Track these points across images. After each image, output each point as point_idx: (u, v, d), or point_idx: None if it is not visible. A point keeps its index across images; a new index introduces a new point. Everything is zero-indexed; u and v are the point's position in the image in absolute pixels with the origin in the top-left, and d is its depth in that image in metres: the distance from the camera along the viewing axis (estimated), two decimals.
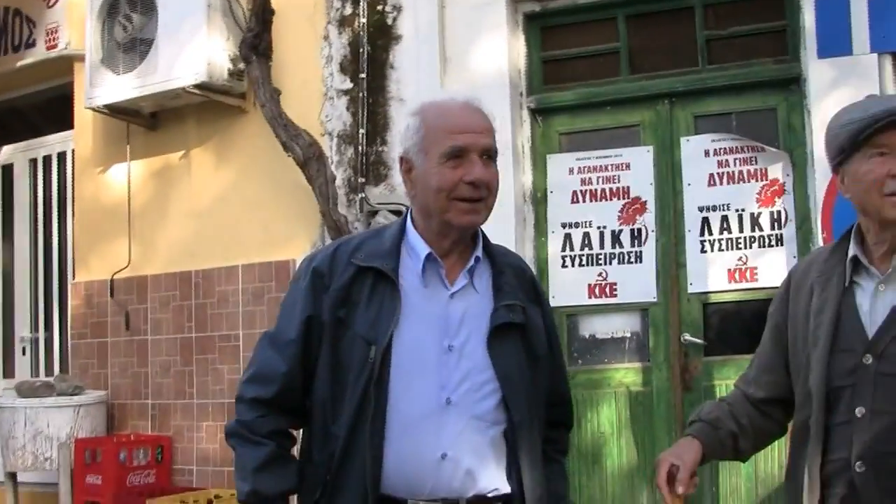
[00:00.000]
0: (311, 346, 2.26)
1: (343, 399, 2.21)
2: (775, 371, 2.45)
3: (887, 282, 2.25)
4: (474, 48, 5.17)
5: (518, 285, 2.37)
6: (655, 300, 4.96)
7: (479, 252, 2.32)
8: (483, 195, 2.23)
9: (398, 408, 2.19)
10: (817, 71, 4.59)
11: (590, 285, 5.06)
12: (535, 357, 2.34)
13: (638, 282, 4.99)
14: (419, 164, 2.25)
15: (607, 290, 5.04)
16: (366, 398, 2.18)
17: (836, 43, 4.49)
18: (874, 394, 2.18)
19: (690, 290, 4.90)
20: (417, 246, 2.29)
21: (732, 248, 4.86)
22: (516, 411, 2.26)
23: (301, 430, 2.37)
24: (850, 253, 2.31)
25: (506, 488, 2.26)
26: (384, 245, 2.30)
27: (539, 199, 5.19)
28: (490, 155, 2.25)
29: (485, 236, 2.37)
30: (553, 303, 4.98)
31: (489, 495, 2.24)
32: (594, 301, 5.06)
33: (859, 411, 2.19)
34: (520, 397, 2.27)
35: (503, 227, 4.96)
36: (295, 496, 2.31)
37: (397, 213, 5.01)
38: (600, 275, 5.04)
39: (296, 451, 2.36)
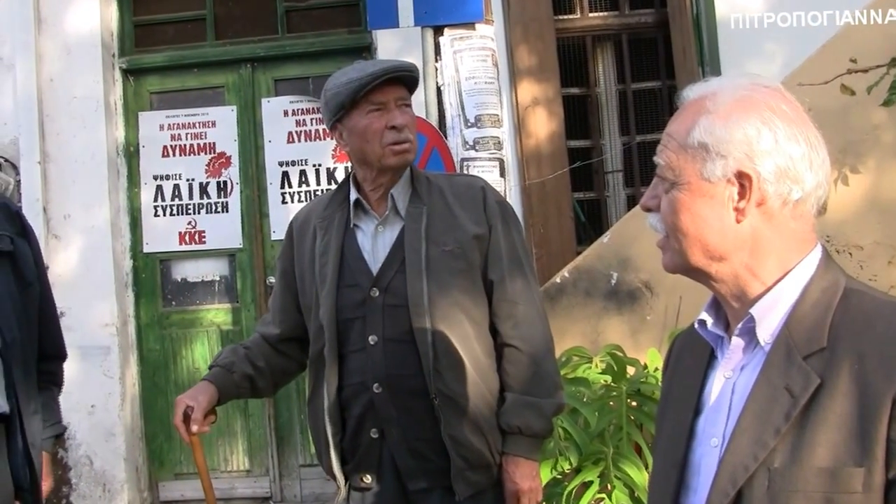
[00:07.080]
0: None
1: None
2: (288, 311, 2.61)
3: (385, 223, 2.47)
4: (69, 11, 5.40)
5: (4, 219, 2.56)
6: (241, 246, 5.45)
7: None
8: None
9: None
10: (385, 41, 5.22)
11: (180, 233, 5.46)
12: (25, 283, 2.54)
13: (224, 229, 5.46)
14: None
15: (196, 237, 5.46)
16: None
17: (385, 16, 5.11)
18: (383, 323, 2.40)
19: (273, 237, 5.42)
20: None
21: (310, 199, 5.43)
22: (7, 332, 2.42)
23: None
24: (353, 198, 2.49)
25: (4, 407, 2.43)
26: None
27: (132, 153, 5.52)
28: None
29: None
30: (147, 249, 5.42)
31: None
32: (185, 247, 5.47)
33: (372, 339, 2.40)
34: (10, 320, 2.43)
35: (97, 178, 5.30)
36: None
37: None
38: (190, 223, 5.46)
39: None
